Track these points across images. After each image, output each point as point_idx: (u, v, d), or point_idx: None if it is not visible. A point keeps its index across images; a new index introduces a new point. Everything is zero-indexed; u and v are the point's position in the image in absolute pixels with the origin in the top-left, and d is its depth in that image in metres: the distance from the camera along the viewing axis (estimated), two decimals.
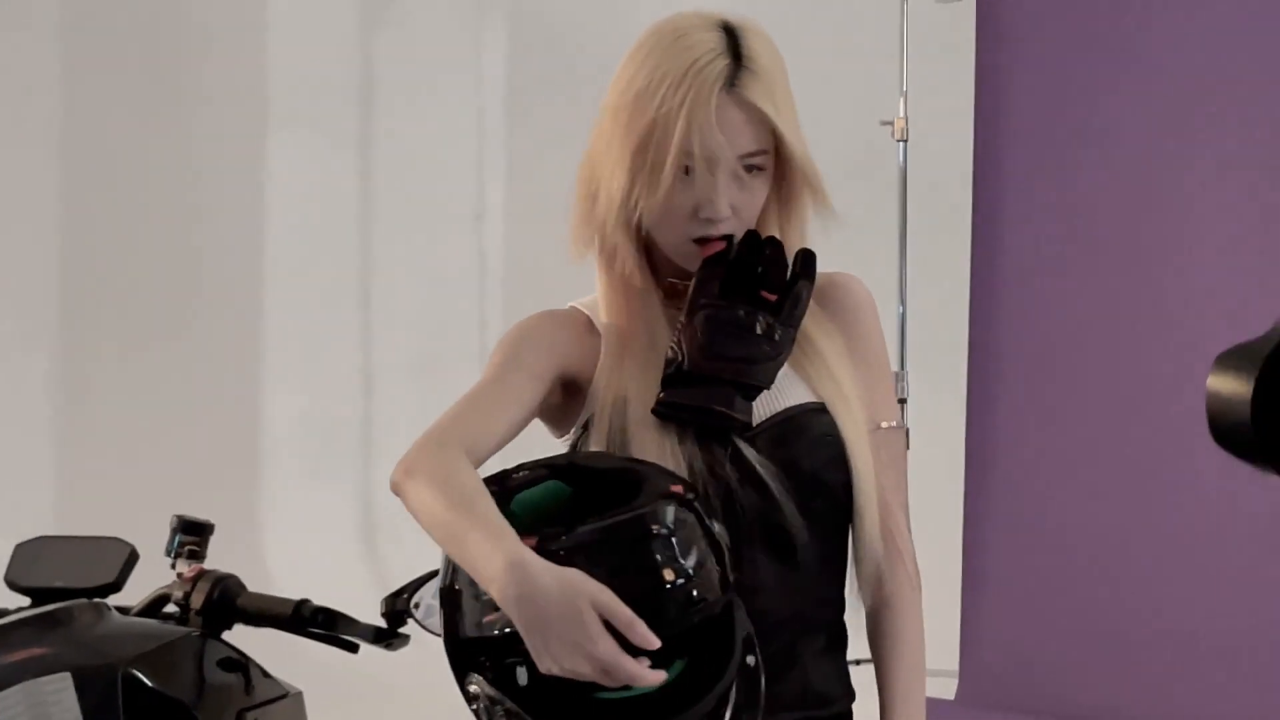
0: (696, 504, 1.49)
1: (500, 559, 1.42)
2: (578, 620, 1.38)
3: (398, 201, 5.33)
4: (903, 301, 3.94)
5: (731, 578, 1.49)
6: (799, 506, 1.67)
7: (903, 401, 3.94)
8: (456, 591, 1.50)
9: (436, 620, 1.75)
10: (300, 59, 5.25)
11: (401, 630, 1.84)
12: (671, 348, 1.67)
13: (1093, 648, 3.58)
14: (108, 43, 5.17)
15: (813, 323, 1.73)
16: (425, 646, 1.83)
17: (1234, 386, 0.91)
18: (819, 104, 4.73)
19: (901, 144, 3.88)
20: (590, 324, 1.76)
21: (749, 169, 1.67)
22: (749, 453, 1.66)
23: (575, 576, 1.40)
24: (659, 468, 1.58)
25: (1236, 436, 0.91)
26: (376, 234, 5.35)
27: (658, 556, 1.43)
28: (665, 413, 1.65)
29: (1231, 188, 3.41)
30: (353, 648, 1.88)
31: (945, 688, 3.86)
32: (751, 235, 1.69)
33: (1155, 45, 3.51)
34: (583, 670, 1.38)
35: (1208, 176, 3.44)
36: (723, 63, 1.65)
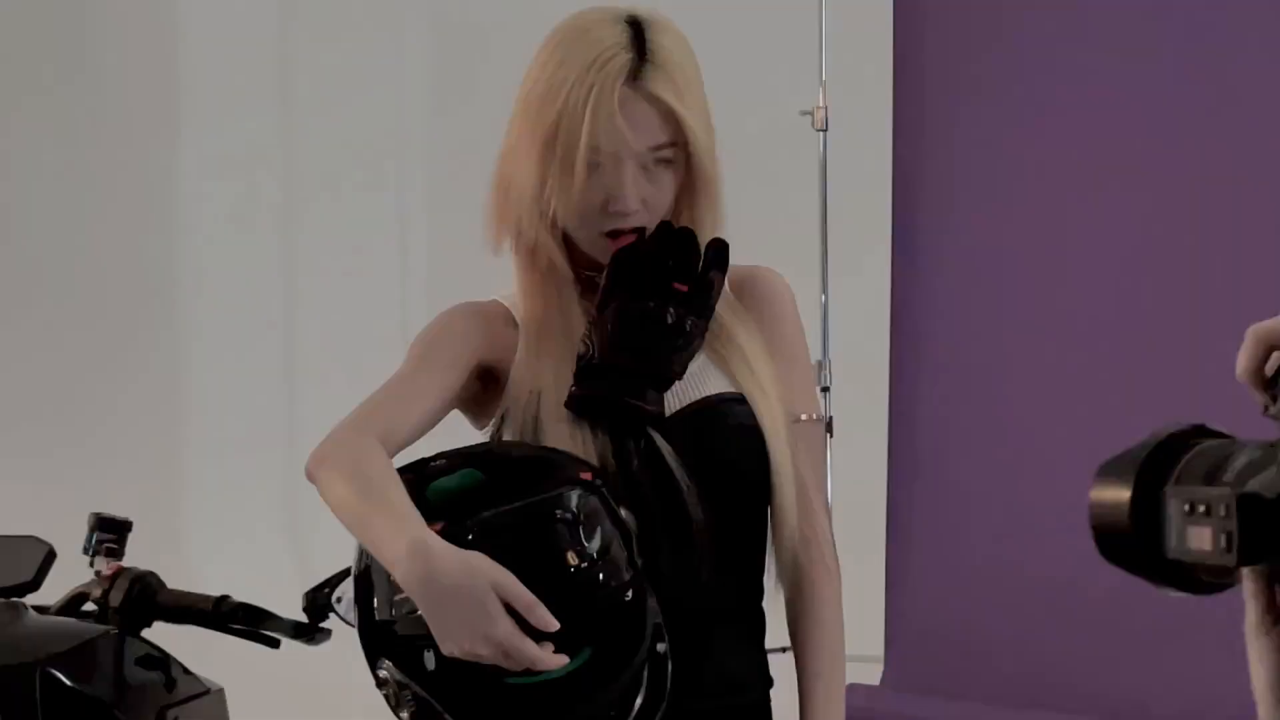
0: (604, 490, 1.50)
1: (403, 542, 1.43)
2: (477, 602, 1.39)
3: (318, 196, 5.30)
4: (824, 290, 3.96)
5: (638, 564, 1.50)
6: (713, 495, 1.68)
7: (825, 390, 3.96)
8: (368, 577, 1.51)
9: None
10: (215, 53, 5.21)
11: (323, 625, 1.83)
12: (584, 341, 1.68)
13: (1017, 629, 3.62)
14: (13, 34, 5.11)
15: (731, 316, 1.74)
16: (347, 641, 1.82)
17: (1113, 495, 0.91)
18: (738, 94, 4.74)
19: (821, 134, 3.90)
20: (510, 316, 1.76)
21: (658, 162, 1.68)
22: (661, 443, 1.67)
23: (476, 559, 1.41)
24: (571, 456, 1.59)
25: (1120, 546, 0.90)
26: (298, 229, 5.32)
27: (562, 541, 1.45)
28: (578, 406, 1.66)
29: (1152, 176, 3.46)
30: (274, 643, 1.88)
31: (871, 673, 3.89)
32: (664, 227, 1.70)
33: (1075, 31, 3.55)
34: (482, 652, 1.39)
35: (1130, 162, 3.48)
36: (625, 57, 1.67)
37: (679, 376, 1.69)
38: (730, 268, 1.79)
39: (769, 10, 4.72)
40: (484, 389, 1.74)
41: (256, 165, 5.28)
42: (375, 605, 1.49)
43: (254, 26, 5.26)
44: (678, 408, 1.71)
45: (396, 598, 1.46)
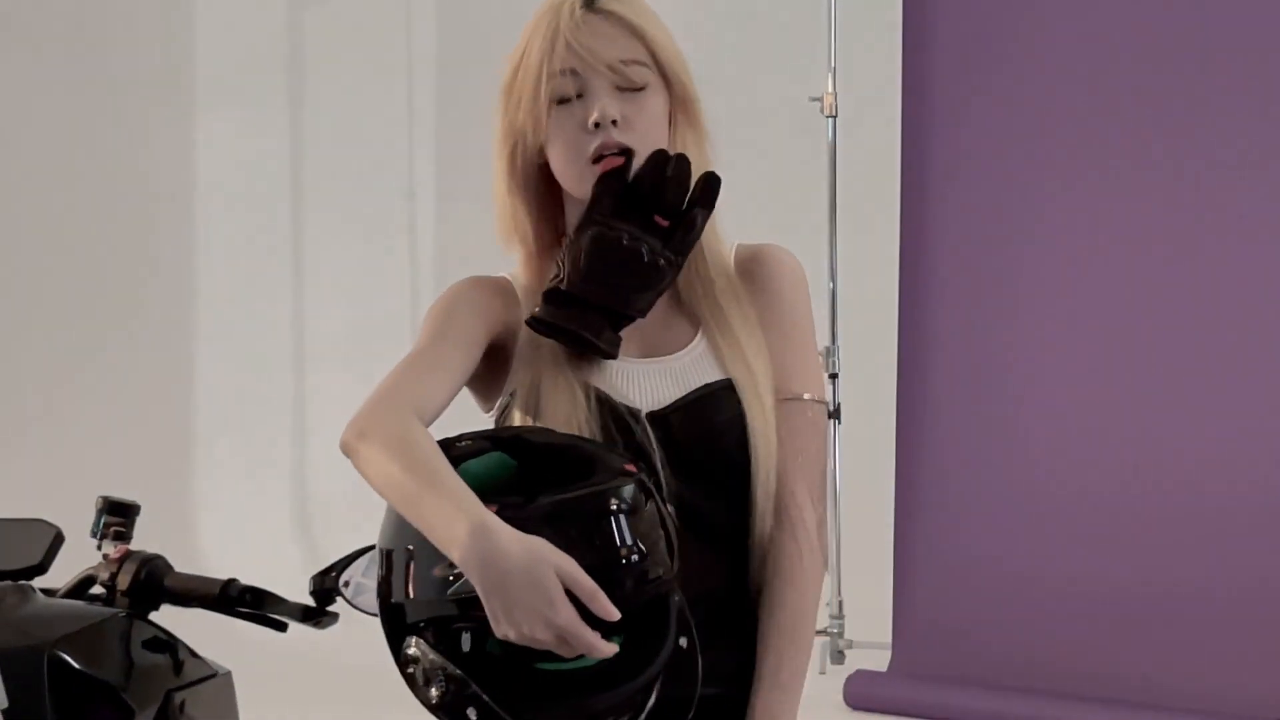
0: (649, 484, 1.50)
1: (464, 522, 1.42)
2: (541, 587, 1.38)
3: (328, 181, 5.30)
4: (833, 277, 3.95)
5: (676, 558, 1.50)
6: (704, 487, 1.67)
7: (834, 376, 3.96)
8: (405, 553, 1.49)
9: (366, 598, 1.74)
10: (229, 38, 5.21)
11: (330, 609, 1.83)
12: (557, 262, 1.68)
13: (1022, 617, 3.62)
14: (34, 22, 5.11)
15: (731, 298, 1.73)
16: (354, 624, 1.83)
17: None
18: (748, 80, 4.78)
19: (831, 120, 3.89)
20: (515, 293, 1.76)
21: (635, 88, 1.68)
22: (653, 433, 1.67)
23: (539, 544, 1.40)
24: (607, 445, 1.58)
25: None
26: (307, 214, 5.32)
27: (617, 532, 1.44)
28: (537, 328, 1.66)
29: (1163, 166, 3.45)
30: (281, 626, 1.88)
31: (879, 659, 3.89)
32: (657, 154, 1.68)
33: (1084, 20, 3.54)
34: (541, 637, 1.39)
35: (1141, 150, 3.48)
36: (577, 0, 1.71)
37: (642, 315, 1.67)
38: (739, 245, 1.79)
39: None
40: (492, 367, 1.74)
41: (267, 154, 5.28)
42: (409, 583, 1.48)
43: (265, 20, 5.26)
44: (675, 398, 1.70)
45: (436, 575, 1.45)
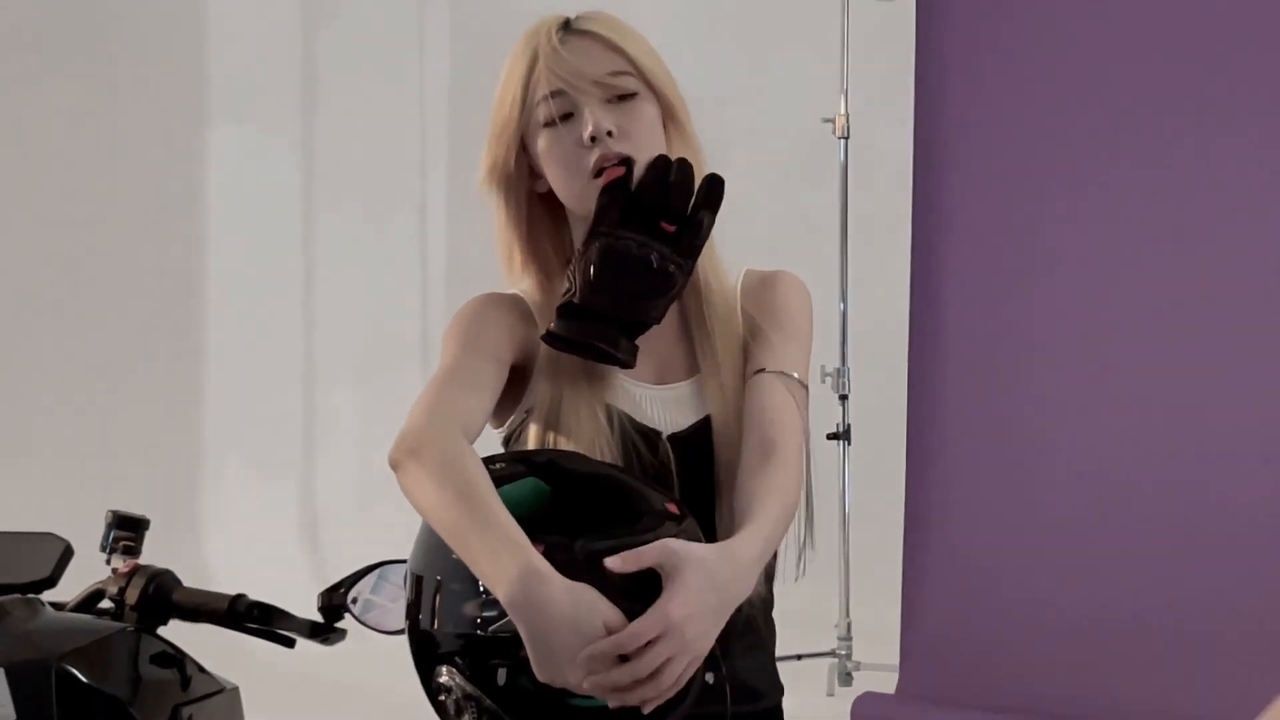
0: (694, 526, 1.49)
1: (512, 564, 1.40)
2: (587, 638, 1.37)
3: (339, 196, 5.31)
4: (844, 298, 3.95)
5: None
6: (718, 508, 1.67)
7: (844, 397, 3.96)
8: (441, 581, 1.48)
9: (374, 615, 1.74)
10: (241, 52, 5.23)
11: (338, 625, 1.83)
12: (568, 276, 1.68)
13: (1031, 640, 3.61)
14: (47, 36, 5.13)
15: (727, 328, 1.73)
16: (362, 641, 1.83)
17: None
18: (761, 101, 4.78)
19: (843, 141, 3.90)
20: (530, 312, 1.76)
21: (621, 97, 1.68)
22: (669, 454, 1.67)
23: (588, 594, 1.39)
24: (644, 479, 1.57)
25: None
26: (318, 228, 5.33)
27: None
28: (553, 343, 1.66)
29: (1176, 182, 3.45)
30: (289, 642, 1.88)
31: (886, 681, 3.89)
32: (658, 160, 1.68)
33: (1097, 44, 3.55)
34: (583, 686, 1.39)
35: (1151, 169, 3.48)
36: (554, 20, 1.72)
37: (657, 321, 1.67)
38: (748, 271, 1.79)
39: (792, 19, 4.73)
40: (508, 385, 1.74)
41: (279, 168, 5.30)
42: (443, 612, 1.47)
43: (278, 35, 5.27)
44: (693, 421, 1.71)
45: (475, 609, 1.44)
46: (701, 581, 1.42)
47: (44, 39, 5.12)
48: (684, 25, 4.37)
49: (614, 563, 1.40)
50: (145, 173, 5.18)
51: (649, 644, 1.38)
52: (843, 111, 3.87)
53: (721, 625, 1.45)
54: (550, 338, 1.66)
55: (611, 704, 1.40)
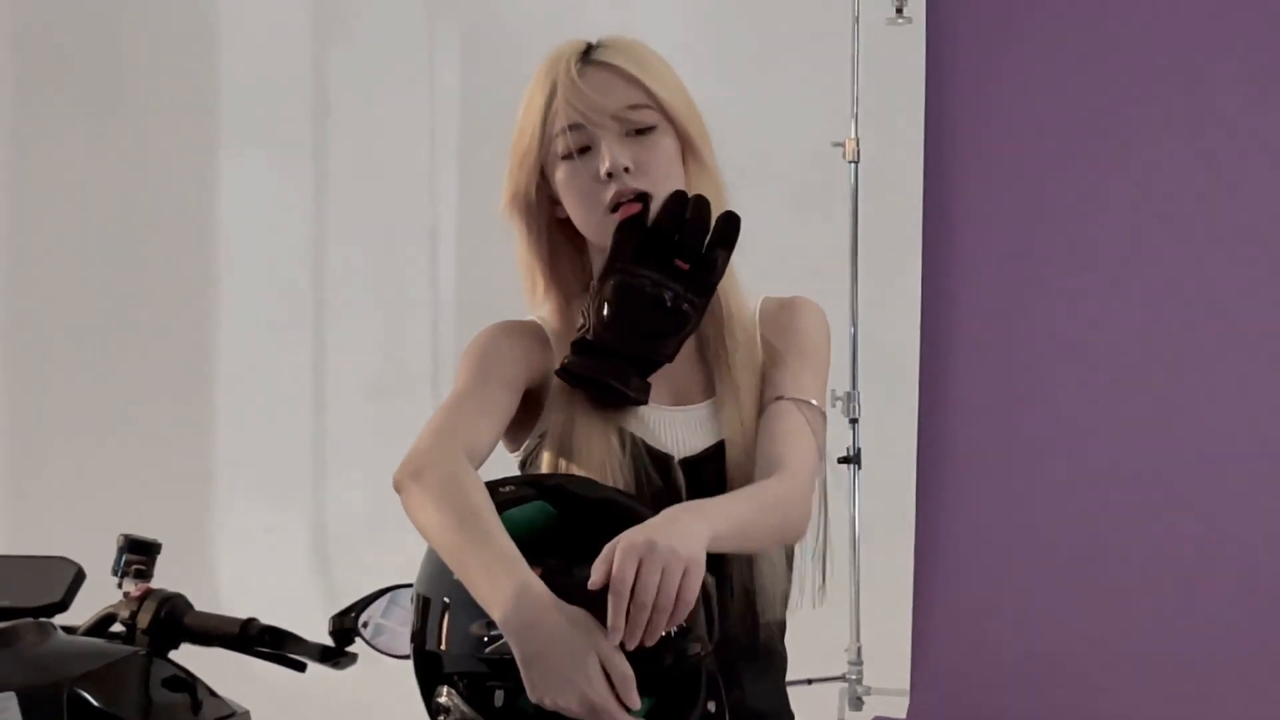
0: None
1: (508, 585, 1.42)
2: (579, 662, 1.39)
3: (350, 219, 5.32)
4: (854, 323, 3.95)
5: (715, 627, 1.50)
6: None
7: (854, 421, 3.96)
8: (444, 603, 1.49)
9: (385, 639, 1.74)
10: (252, 76, 5.25)
11: (349, 649, 1.84)
12: (582, 312, 1.68)
13: (1042, 666, 3.60)
14: (58, 58, 5.15)
15: (746, 355, 1.73)
16: (373, 665, 1.83)
17: None
18: (771, 126, 4.78)
19: (853, 165, 3.90)
20: (546, 338, 1.77)
21: (640, 131, 1.68)
22: (681, 479, 1.68)
23: (582, 618, 1.41)
24: (652, 506, 1.57)
25: None
26: (329, 252, 5.34)
27: None
28: (566, 378, 1.67)
29: (1186, 205, 3.45)
30: (300, 666, 1.88)
31: (897, 707, 3.87)
32: (675, 195, 1.69)
33: (1106, 66, 3.55)
34: (572, 708, 1.39)
35: (1164, 193, 3.48)
36: (575, 48, 1.71)
37: (669, 359, 1.68)
38: (766, 298, 1.80)
39: (802, 44, 4.73)
40: (520, 410, 1.75)
41: (290, 193, 5.31)
42: (444, 634, 1.48)
43: (289, 61, 5.29)
44: (705, 445, 1.71)
45: (474, 631, 1.45)
46: (650, 522, 1.43)
47: (55, 62, 5.14)
48: (692, 48, 4.38)
49: (593, 583, 1.41)
50: (156, 197, 5.20)
51: (637, 576, 1.38)
52: (853, 135, 3.87)
53: (694, 542, 1.43)
54: (564, 373, 1.67)
55: (629, 645, 1.39)
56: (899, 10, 3.79)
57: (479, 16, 5.28)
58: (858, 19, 3.83)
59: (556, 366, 1.71)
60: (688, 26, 4.75)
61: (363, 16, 5.30)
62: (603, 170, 1.67)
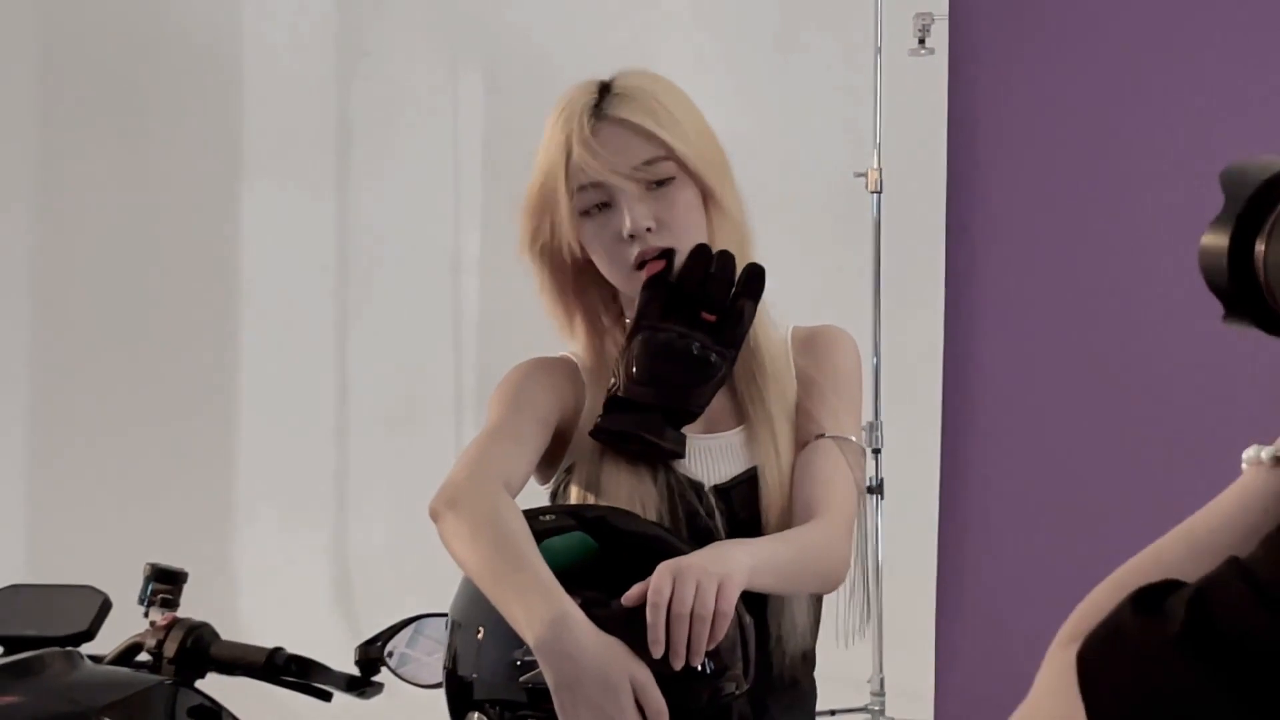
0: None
1: (545, 611, 1.42)
2: (613, 691, 1.39)
3: (373, 251, 5.34)
4: (877, 353, 3.96)
5: (752, 665, 1.50)
6: None
7: (877, 451, 3.96)
8: (478, 629, 1.49)
9: (411, 669, 1.75)
10: (275, 109, 5.27)
11: (375, 679, 1.84)
12: (613, 371, 1.69)
13: None
14: (83, 90, 5.18)
15: (776, 383, 1.74)
16: (399, 695, 1.83)
17: (1214, 240, 0.91)
18: (794, 157, 4.78)
19: (875, 195, 3.91)
20: (578, 373, 1.78)
21: (661, 182, 1.68)
22: (713, 506, 1.68)
23: (618, 648, 1.41)
24: (691, 542, 1.57)
25: (1220, 289, 0.92)
26: (351, 283, 5.35)
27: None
28: (600, 437, 1.67)
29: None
30: (326, 696, 1.88)
31: (922, 712, 3.87)
32: (698, 249, 1.69)
33: (1128, 96, 3.55)
34: None
35: (1185, 222, 3.48)
36: (588, 98, 1.69)
37: (701, 411, 1.68)
38: (795, 328, 1.80)
39: (825, 73, 4.75)
40: (553, 444, 1.75)
41: (313, 224, 5.33)
42: (479, 660, 1.48)
43: (312, 91, 5.31)
44: (736, 472, 1.71)
45: (509, 659, 1.45)
46: (691, 554, 1.46)
47: (85, 93, 5.18)
48: (715, 79, 4.39)
49: (628, 599, 1.41)
50: (180, 228, 5.22)
51: (672, 596, 1.40)
52: (875, 166, 3.88)
53: (732, 562, 1.45)
54: (598, 432, 1.68)
55: (674, 662, 1.39)
56: (921, 41, 3.79)
57: (502, 49, 5.31)
58: (880, 50, 3.84)
59: (588, 399, 1.72)
60: (710, 58, 4.77)
61: (386, 49, 5.33)
62: (624, 232, 1.67)
